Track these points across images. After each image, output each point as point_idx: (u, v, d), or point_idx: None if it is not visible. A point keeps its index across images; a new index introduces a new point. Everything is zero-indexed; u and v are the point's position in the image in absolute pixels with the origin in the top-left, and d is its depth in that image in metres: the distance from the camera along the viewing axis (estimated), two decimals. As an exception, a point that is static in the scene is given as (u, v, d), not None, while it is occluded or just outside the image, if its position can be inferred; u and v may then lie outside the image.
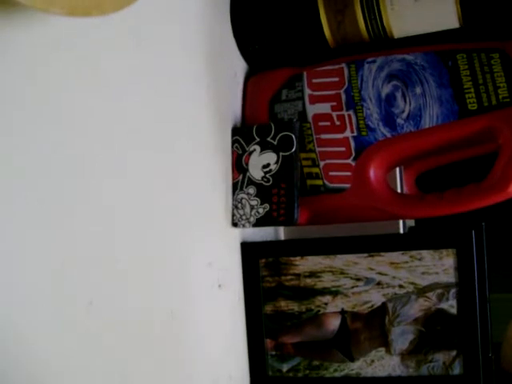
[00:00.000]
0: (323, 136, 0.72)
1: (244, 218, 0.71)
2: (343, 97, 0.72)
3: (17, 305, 0.40)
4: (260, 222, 0.70)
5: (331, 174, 0.72)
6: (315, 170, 0.72)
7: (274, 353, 0.73)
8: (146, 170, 0.56)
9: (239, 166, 0.72)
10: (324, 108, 0.72)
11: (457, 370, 0.68)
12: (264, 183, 0.71)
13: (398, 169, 0.76)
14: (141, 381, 0.55)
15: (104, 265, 0.50)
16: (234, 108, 0.75)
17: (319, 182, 0.72)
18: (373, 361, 0.70)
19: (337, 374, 0.71)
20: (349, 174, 0.71)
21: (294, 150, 0.70)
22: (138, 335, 0.54)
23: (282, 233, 0.81)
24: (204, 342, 0.66)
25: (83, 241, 0.47)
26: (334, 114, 0.72)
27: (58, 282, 0.44)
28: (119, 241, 0.52)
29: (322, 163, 0.72)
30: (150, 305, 0.56)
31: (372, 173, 0.70)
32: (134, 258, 0.54)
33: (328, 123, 0.72)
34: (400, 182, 0.77)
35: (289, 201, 0.69)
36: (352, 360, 0.70)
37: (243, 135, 0.72)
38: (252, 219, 0.71)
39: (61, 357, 0.44)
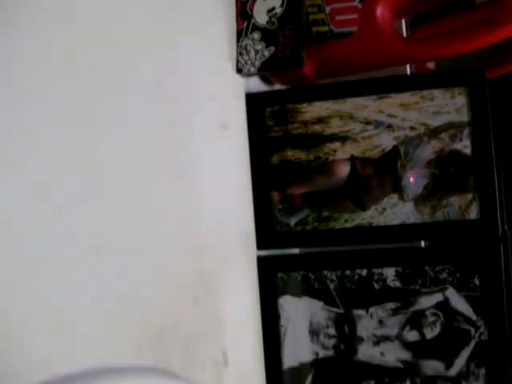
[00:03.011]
0: (329, -20, 0.70)
1: (249, 62, 0.68)
2: None
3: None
4: (265, 66, 0.68)
5: (338, 18, 0.69)
6: (321, 15, 0.70)
7: (281, 206, 0.69)
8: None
9: (244, 13, 0.70)
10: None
11: (473, 213, 0.66)
12: (269, 27, 0.68)
13: (403, 22, 0.74)
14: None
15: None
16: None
17: (325, 28, 0.70)
18: (385, 209, 0.67)
19: (347, 225, 0.68)
20: (355, 16, 0.69)
21: (299, -9, 0.68)
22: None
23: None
24: (209, 188, 0.63)
25: None
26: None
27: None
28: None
29: (328, 8, 0.70)
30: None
31: (379, 13, 0.68)
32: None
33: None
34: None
35: (295, 41, 0.67)
36: (363, 209, 0.67)
37: (247, -18, 0.70)
38: (257, 63, 0.68)
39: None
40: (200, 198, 0.62)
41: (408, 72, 0.74)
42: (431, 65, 0.92)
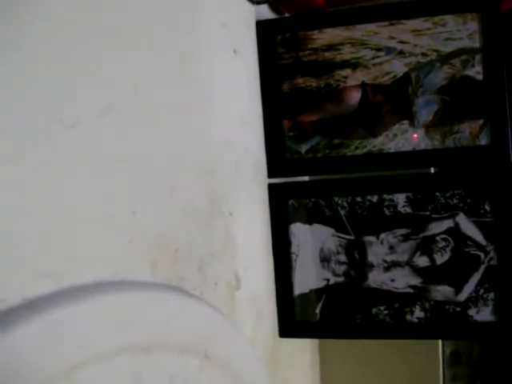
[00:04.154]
0: None
1: (259, -11, 0.67)
2: None
3: None
4: (276, -9, 0.67)
5: None
6: None
7: (291, 134, 0.69)
8: None
9: None
10: None
11: (484, 139, 0.66)
12: (279, -47, 0.67)
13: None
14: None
15: None
16: None
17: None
18: (396, 135, 0.67)
19: (358, 152, 0.68)
20: None
21: None
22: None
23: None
24: (221, 114, 0.63)
25: None
26: None
27: None
28: None
29: None
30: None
31: None
32: None
33: None
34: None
35: (306, -34, 0.66)
36: (374, 135, 0.67)
37: None
38: (268, -12, 0.67)
39: None
40: (213, 124, 0.62)
41: None
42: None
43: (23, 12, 0.37)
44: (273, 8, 0.72)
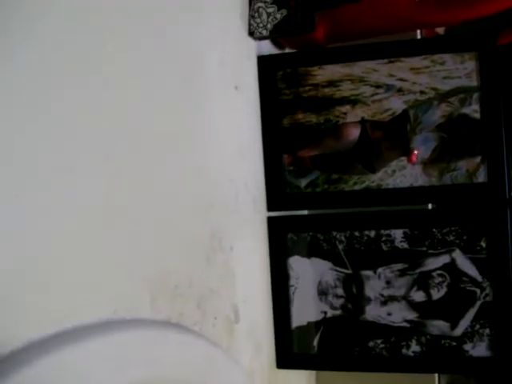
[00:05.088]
0: None
1: (261, 25, 0.69)
2: None
3: None
4: (277, 29, 0.68)
5: (350, -18, 0.70)
6: (333, -21, 0.70)
7: (291, 168, 0.70)
8: None
9: (255, -23, 0.70)
10: None
11: (481, 177, 0.67)
12: (282, -10, 0.69)
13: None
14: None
15: None
16: None
17: (338, -8, 0.70)
18: (394, 171, 0.68)
19: (357, 187, 0.69)
20: (368, -20, 0.69)
21: (311, -45, 0.68)
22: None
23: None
24: (222, 149, 0.64)
25: None
26: None
27: None
28: None
29: (340, -28, 0.70)
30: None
31: (392, -23, 0.68)
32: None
33: None
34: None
35: (307, 4, 0.67)
36: (373, 171, 0.68)
37: None
38: (269, 26, 0.68)
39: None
40: (213, 159, 0.63)
41: (418, 37, 0.74)
42: (441, 30, 0.92)
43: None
44: (275, 42, 0.74)
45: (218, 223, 0.63)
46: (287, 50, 0.75)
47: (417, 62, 0.67)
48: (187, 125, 0.59)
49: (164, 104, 0.54)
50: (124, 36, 0.48)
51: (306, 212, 0.73)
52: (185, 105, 0.58)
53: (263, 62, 0.70)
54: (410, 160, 0.66)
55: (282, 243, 0.70)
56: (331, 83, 0.69)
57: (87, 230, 0.43)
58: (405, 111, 0.67)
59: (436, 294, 0.67)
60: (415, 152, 0.66)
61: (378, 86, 0.68)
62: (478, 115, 0.66)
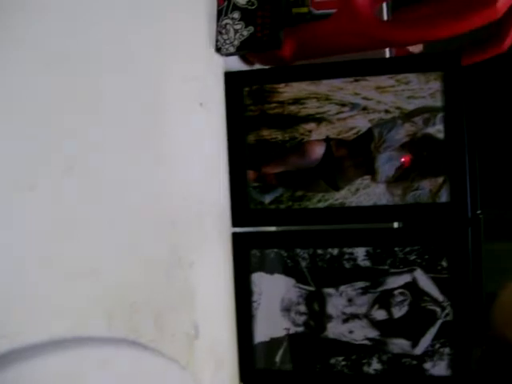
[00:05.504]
0: (310, -39, 0.70)
1: (228, 42, 0.69)
2: None
3: None
4: (244, 45, 0.68)
5: (317, 0, 0.70)
6: (301, -3, 0.71)
7: (256, 185, 0.70)
8: None
9: (224, -6, 0.70)
10: None
11: (444, 197, 0.67)
12: (249, 7, 0.69)
13: (385, 5, 0.75)
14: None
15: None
16: None
17: (305, 10, 0.70)
18: (358, 189, 0.68)
19: (320, 205, 0.69)
20: (335, -2, 0.69)
21: (279, -28, 0.68)
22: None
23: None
24: (185, 165, 0.64)
25: None
26: None
27: None
28: None
29: (307, -10, 0.70)
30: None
31: (358, -4, 0.68)
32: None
33: None
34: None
35: (274, 21, 0.67)
36: (336, 189, 0.69)
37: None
38: (236, 42, 0.68)
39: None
40: (176, 175, 0.63)
41: (387, 55, 0.74)
42: (418, 48, 0.93)
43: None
44: (243, 58, 0.74)
45: (179, 239, 0.63)
46: (256, 66, 0.75)
47: (382, 81, 0.67)
48: (149, 141, 0.59)
49: (126, 120, 0.54)
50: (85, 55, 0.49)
51: (273, 228, 0.73)
52: (147, 121, 0.59)
53: (230, 78, 0.70)
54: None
55: (246, 259, 0.70)
56: (297, 101, 0.69)
57: (42, 243, 0.43)
58: (369, 130, 0.68)
59: (397, 313, 0.67)
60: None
61: (343, 105, 0.68)
62: (441, 135, 0.67)
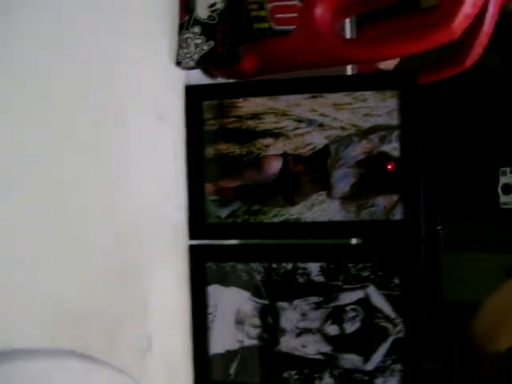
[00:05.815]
0: (271, -22, 0.71)
1: (188, 56, 0.69)
2: None
3: None
4: (203, 60, 0.69)
5: (278, 16, 0.71)
6: (262, 13, 0.71)
7: (213, 198, 0.71)
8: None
9: (187, 7, 0.71)
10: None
11: (398, 214, 0.67)
12: (210, 22, 0.69)
13: (348, 22, 0.75)
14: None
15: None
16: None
17: (266, 25, 0.71)
18: (313, 205, 0.69)
19: (276, 220, 0.69)
20: (295, 15, 0.70)
21: (240, -12, 0.69)
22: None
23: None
24: (142, 177, 0.65)
25: None
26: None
27: None
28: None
29: (269, 6, 0.71)
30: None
31: (318, 13, 0.69)
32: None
33: (276, -35, 0.71)
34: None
35: (234, 37, 0.68)
36: (292, 204, 0.69)
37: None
38: (196, 57, 0.69)
39: None
40: (133, 188, 0.64)
41: (349, 72, 0.75)
42: (391, 65, 0.94)
43: None
44: (206, 71, 0.74)
45: (134, 252, 0.64)
46: (219, 80, 0.75)
47: (339, 98, 0.68)
48: (105, 155, 0.60)
49: (81, 132, 0.55)
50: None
51: (235, 241, 0.73)
52: (103, 134, 0.59)
53: (190, 91, 0.71)
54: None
55: (202, 271, 0.71)
56: (255, 116, 0.70)
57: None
58: (326, 146, 0.68)
59: (349, 328, 0.68)
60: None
61: (301, 121, 0.69)
62: (397, 153, 0.67)
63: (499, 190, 1.11)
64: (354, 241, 0.73)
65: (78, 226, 0.56)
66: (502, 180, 1.15)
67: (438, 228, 0.72)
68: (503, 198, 1.16)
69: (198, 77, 0.73)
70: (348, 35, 0.76)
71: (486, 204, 1.26)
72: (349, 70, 0.75)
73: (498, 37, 1.05)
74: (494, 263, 1.31)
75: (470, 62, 0.75)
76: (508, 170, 1.15)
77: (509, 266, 1.21)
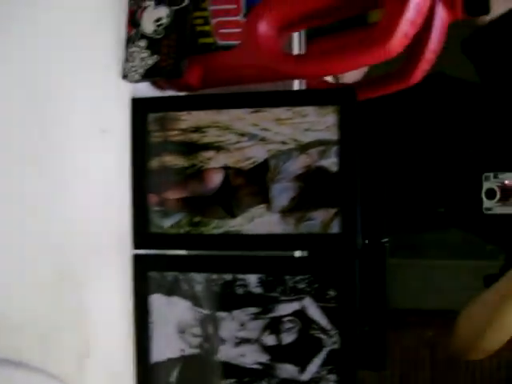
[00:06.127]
0: (216, -6, 0.72)
1: (134, 69, 0.71)
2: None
3: None
4: (149, 73, 0.70)
5: (222, 31, 0.72)
6: (207, 27, 0.72)
7: (157, 208, 0.72)
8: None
9: (133, 21, 0.72)
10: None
11: (335, 228, 0.69)
12: (155, 36, 0.71)
13: (296, 37, 0.76)
14: None
15: None
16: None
17: (210, 40, 0.72)
18: (253, 217, 0.70)
19: (215, 231, 0.71)
20: (239, 30, 0.71)
21: (186, 3, 0.70)
22: None
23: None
24: (84, 189, 0.66)
25: None
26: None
27: None
28: None
29: (213, 21, 0.72)
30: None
31: (261, 29, 0.70)
32: None
33: (221, -19, 0.72)
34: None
35: (178, 51, 0.69)
36: (233, 216, 0.70)
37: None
38: (141, 70, 0.70)
39: None
40: (75, 199, 0.65)
41: (296, 87, 0.76)
42: (357, 76, 0.95)
43: None
44: (155, 84, 0.75)
45: (70, 261, 0.65)
46: (168, 92, 0.77)
47: (281, 112, 0.69)
48: (47, 166, 0.61)
49: (28, 144, 0.56)
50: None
51: (177, 252, 0.75)
52: (46, 145, 0.61)
53: (136, 104, 0.72)
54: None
55: (145, 281, 0.72)
56: (198, 129, 0.71)
57: None
58: (266, 160, 0.69)
59: (286, 339, 0.69)
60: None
61: (243, 135, 0.70)
62: (335, 168, 0.68)
63: (483, 195, 1.12)
64: (297, 253, 0.75)
65: (14, 237, 0.58)
66: (486, 185, 1.16)
67: (384, 240, 0.73)
68: (487, 203, 1.17)
69: (146, 90, 0.75)
70: (296, 50, 0.77)
71: (468, 212, 1.27)
72: (296, 84, 0.77)
73: (474, 50, 1.07)
74: (472, 271, 1.32)
75: (416, 78, 0.76)
76: (491, 175, 1.16)
77: (487, 274, 1.22)
